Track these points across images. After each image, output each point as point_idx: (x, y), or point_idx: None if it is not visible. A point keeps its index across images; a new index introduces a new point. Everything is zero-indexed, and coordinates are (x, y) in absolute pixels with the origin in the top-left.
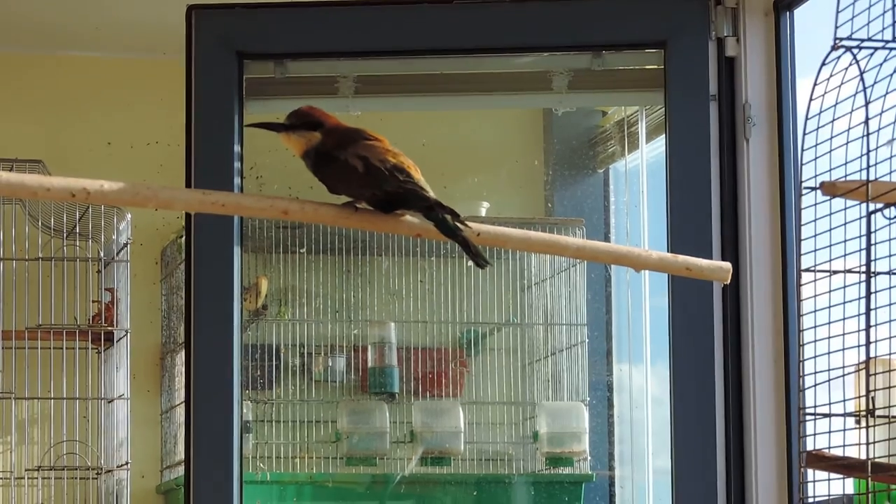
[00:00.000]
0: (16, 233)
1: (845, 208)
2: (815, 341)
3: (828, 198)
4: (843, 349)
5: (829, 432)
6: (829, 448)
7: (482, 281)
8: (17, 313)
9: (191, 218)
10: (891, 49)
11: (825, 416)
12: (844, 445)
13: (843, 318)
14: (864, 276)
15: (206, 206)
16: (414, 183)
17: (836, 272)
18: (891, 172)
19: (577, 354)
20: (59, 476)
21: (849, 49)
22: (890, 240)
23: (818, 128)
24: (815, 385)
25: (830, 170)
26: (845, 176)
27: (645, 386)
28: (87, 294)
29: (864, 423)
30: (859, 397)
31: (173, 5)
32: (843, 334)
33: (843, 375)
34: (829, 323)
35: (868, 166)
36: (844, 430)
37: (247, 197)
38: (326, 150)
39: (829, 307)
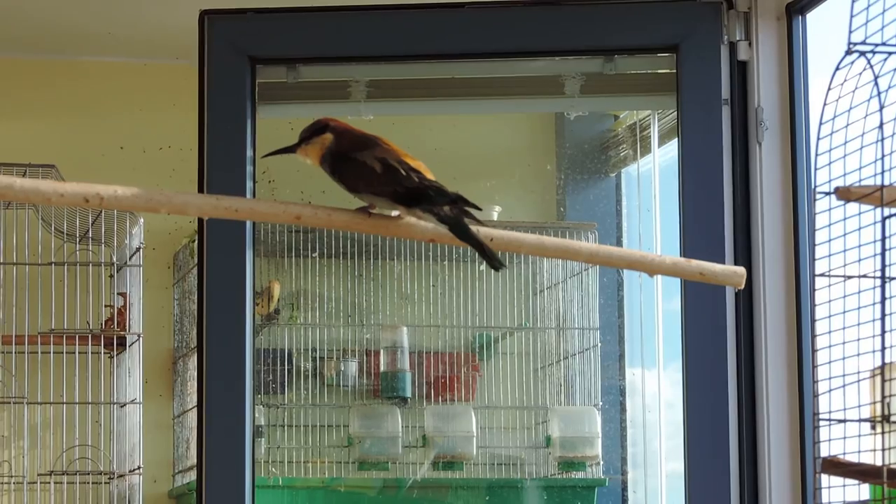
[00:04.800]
0: (29, 237)
1: (860, 213)
2: (830, 346)
3: (842, 203)
4: (858, 354)
5: (844, 438)
6: (844, 454)
7: (494, 285)
8: (29, 318)
9: (203, 222)
10: None
11: (840, 421)
12: (860, 451)
13: (858, 324)
14: (878, 281)
15: (220, 211)
16: (431, 181)
17: (850, 277)
18: None
19: (589, 358)
20: (72, 481)
21: (863, 54)
22: None
23: (832, 133)
24: (829, 390)
25: (844, 174)
26: (859, 181)
27: (658, 390)
28: (100, 298)
29: (879, 429)
30: (874, 403)
31: (186, 10)
32: (858, 339)
33: (858, 381)
34: (844, 328)
35: (882, 171)
36: (859, 435)
37: (260, 202)
38: (343, 151)
39: (844, 312)
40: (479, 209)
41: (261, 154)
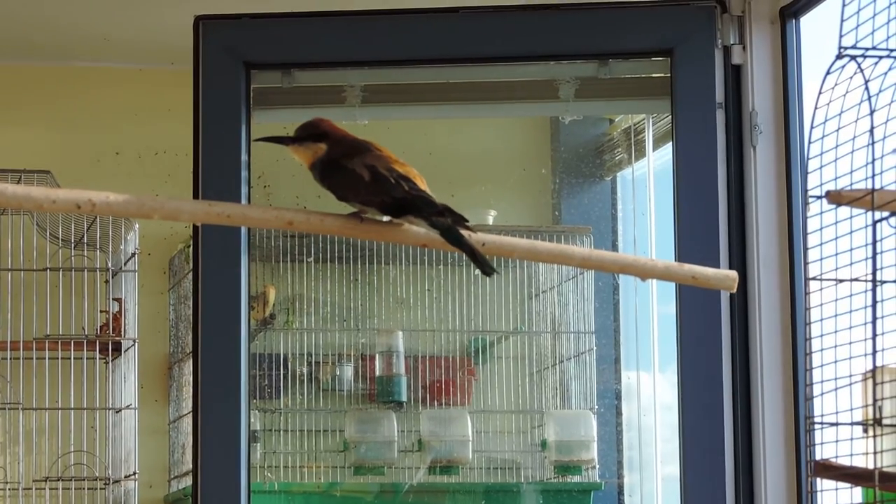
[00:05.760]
0: (24, 243)
1: (851, 217)
2: (822, 350)
3: (833, 206)
4: (850, 358)
5: (837, 441)
6: (837, 457)
7: (489, 289)
8: (24, 323)
9: (198, 228)
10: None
11: (833, 425)
12: (852, 455)
13: (850, 327)
14: (870, 285)
15: (212, 217)
16: (420, 191)
17: (842, 281)
18: None
19: (584, 362)
20: (67, 486)
21: (853, 58)
22: None
23: (823, 136)
24: (822, 394)
25: (836, 178)
26: (851, 185)
27: (653, 393)
28: (95, 304)
29: (871, 433)
30: (867, 406)
31: (181, 16)
32: (850, 343)
33: (851, 384)
34: (836, 332)
35: (873, 175)
36: (852, 439)
37: (252, 208)
38: (333, 159)
39: (836, 316)
40: (467, 220)
41: (256, 144)
